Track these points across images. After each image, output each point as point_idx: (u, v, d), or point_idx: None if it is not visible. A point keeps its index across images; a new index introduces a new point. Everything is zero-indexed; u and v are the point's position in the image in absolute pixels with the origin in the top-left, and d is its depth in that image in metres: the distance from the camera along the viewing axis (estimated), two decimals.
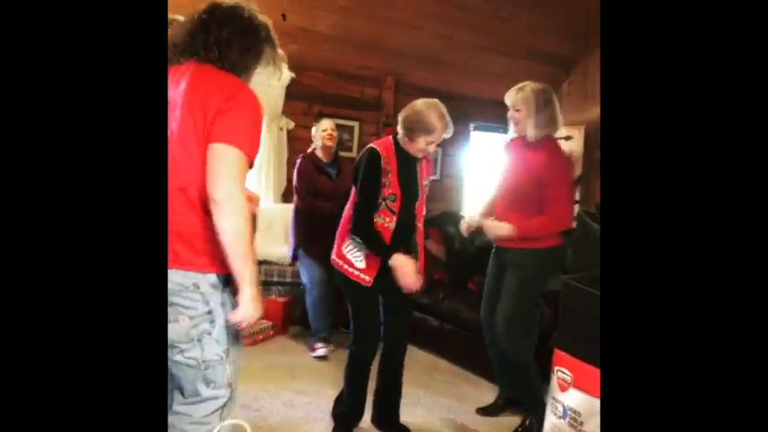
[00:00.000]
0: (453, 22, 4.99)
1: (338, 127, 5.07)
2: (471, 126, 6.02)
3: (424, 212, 2.44)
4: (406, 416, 2.74)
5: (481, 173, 6.40)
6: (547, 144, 2.54)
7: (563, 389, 1.77)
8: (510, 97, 2.58)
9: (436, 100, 2.32)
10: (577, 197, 5.47)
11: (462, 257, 4.35)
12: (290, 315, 4.04)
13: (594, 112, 5.90)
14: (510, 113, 2.61)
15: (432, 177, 2.55)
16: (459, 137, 5.93)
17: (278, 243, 4.37)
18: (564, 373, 1.77)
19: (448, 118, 2.28)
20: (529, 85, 2.57)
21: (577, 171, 5.79)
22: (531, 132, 2.52)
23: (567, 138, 5.97)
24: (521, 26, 5.26)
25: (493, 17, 5.07)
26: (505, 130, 6.40)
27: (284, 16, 3.82)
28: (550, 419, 1.82)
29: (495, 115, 6.15)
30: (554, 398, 1.80)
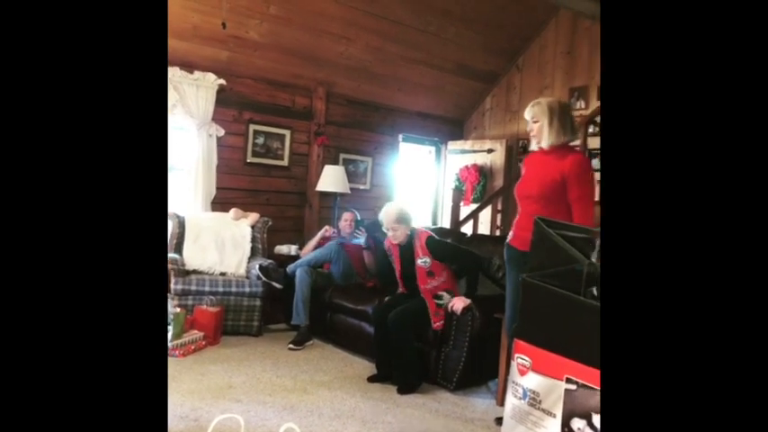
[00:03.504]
0: (383, 34, 5.12)
1: (269, 135, 5.09)
2: (400, 137, 6.16)
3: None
4: (346, 426, 2.77)
5: (409, 182, 6.55)
6: (567, 149, 2.70)
7: (522, 373, 1.90)
8: (528, 112, 2.73)
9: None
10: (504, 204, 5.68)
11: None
12: (222, 325, 3.96)
13: (515, 126, 6.22)
14: (529, 126, 2.73)
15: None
16: (388, 147, 6.06)
17: (209, 252, 4.28)
18: (523, 359, 1.91)
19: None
20: (545, 99, 2.75)
21: (499, 183, 6.07)
22: (551, 140, 2.65)
23: (490, 150, 6.25)
24: (448, 41, 5.48)
25: (422, 31, 5.25)
26: (432, 143, 6.62)
27: (224, 25, 3.79)
28: (511, 401, 1.94)
29: (423, 127, 6.37)
30: (514, 382, 1.94)
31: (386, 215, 3.43)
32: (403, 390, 3.20)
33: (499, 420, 2.74)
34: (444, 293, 3.32)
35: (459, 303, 3.23)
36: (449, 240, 3.86)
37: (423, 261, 3.35)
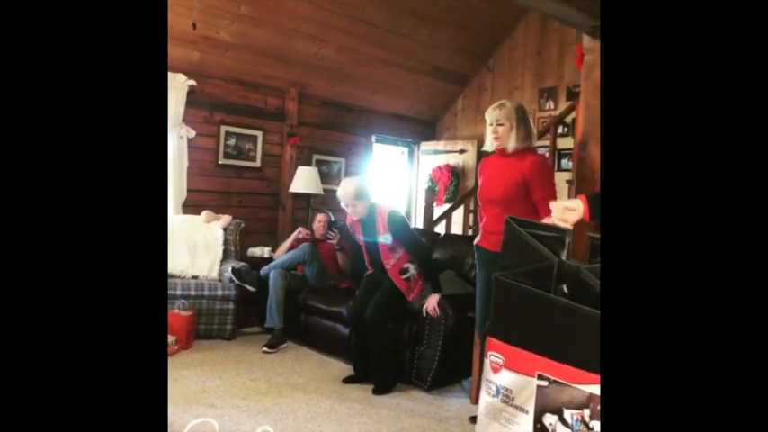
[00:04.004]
0: (356, 35, 5.12)
1: (240, 136, 5.05)
2: (373, 138, 6.17)
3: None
4: (321, 428, 2.77)
5: (383, 183, 6.57)
6: (527, 151, 2.74)
7: (495, 371, 1.92)
8: (491, 114, 2.76)
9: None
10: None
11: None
12: (194, 329, 3.91)
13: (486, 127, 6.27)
14: (492, 128, 2.76)
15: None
16: (362, 148, 6.07)
17: (180, 255, 4.22)
18: (496, 357, 1.93)
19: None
20: (508, 102, 2.79)
21: (471, 183, 6.12)
22: (514, 144, 2.70)
23: (462, 151, 6.30)
24: (421, 43, 5.51)
25: (394, 33, 5.27)
26: (405, 143, 6.65)
27: (194, 25, 3.75)
28: (485, 399, 1.95)
29: (396, 128, 6.39)
30: (488, 379, 1.95)
31: (344, 192, 3.35)
32: (379, 390, 3.21)
33: (473, 419, 2.77)
34: (409, 265, 3.32)
35: (432, 301, 3.25)
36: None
37: (384, 238, 3.32)
